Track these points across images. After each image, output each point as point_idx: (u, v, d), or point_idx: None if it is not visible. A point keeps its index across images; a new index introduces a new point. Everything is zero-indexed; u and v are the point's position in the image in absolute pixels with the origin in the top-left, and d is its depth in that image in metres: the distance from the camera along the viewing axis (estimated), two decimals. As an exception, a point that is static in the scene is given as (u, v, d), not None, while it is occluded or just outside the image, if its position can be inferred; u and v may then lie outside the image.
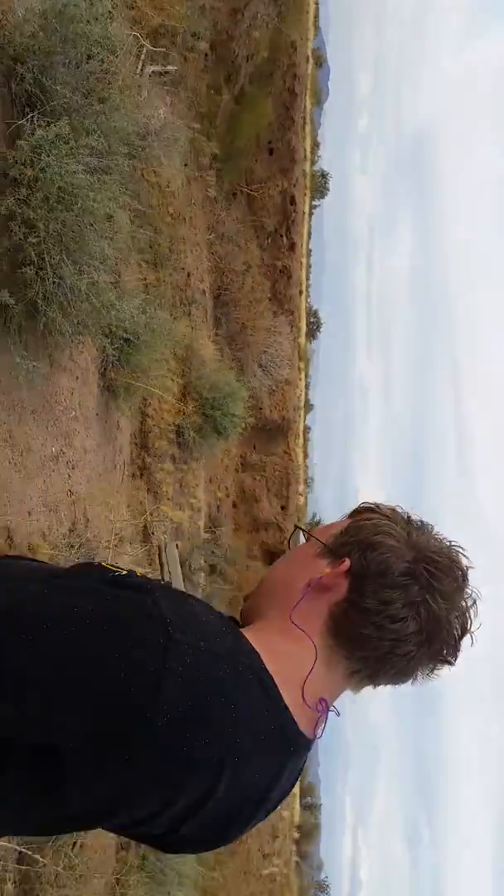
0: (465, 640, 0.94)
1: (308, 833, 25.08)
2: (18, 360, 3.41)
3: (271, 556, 12.77)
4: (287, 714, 0.90)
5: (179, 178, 5.59)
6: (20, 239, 3.25)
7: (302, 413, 14.99)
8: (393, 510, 1.01)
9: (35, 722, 0.83)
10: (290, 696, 0.90)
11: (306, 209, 15.45)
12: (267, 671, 0.89)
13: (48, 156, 3.17)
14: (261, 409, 11.91)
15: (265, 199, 11.42)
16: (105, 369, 4.94)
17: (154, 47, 6.62)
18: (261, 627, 0.96)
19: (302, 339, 14.85)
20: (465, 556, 0.96)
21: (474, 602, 0.94)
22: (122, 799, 0.85)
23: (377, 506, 1.02)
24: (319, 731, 0.95)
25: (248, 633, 0.93)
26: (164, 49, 6.82)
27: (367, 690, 0.98)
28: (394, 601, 0.91)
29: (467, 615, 0.93)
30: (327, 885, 30.70)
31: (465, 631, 0.93)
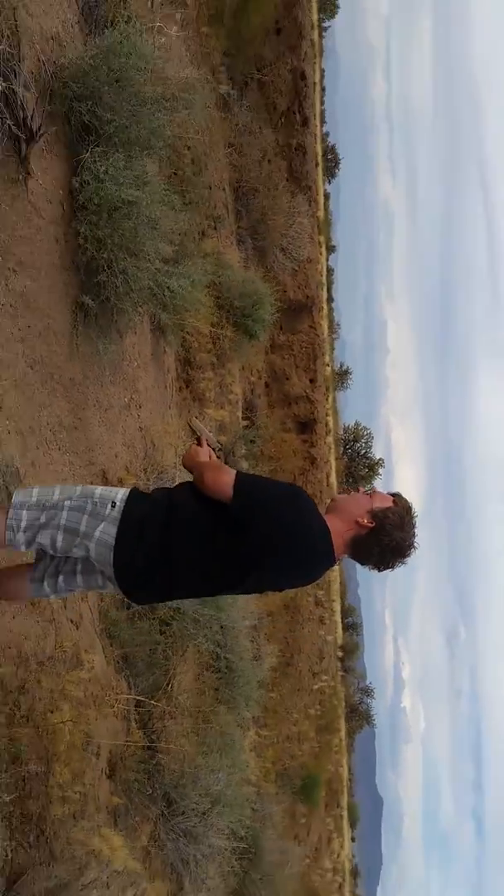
0: (388, 571, 2.42)
1: (351, 651, 28.20)
2: (101, 347, 4.28)
3: (302, 426, 13.85)
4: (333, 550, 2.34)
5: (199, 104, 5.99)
6: (93, 254, 4.01)
7: (325, 287, 15.36)
8: (406, 507, 2.35)
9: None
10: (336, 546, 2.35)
11: (317, 79, 14.93)
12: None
13: (110, 183, 3.87)
14: (285, 291, 12.45)
15: (276, 80, 11.27)
16: (154, 317, 5.74)
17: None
18: (331, 519, 2.33)
19: (321, 213, 14.90)
20: (416, 548, 2.36)
21: (401, 565, 2.39)
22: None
23: (401, 501, 2.36)
24: (338, 562, 2.43)
25: (328, 517, 2.33)
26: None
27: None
28: (374, 551, 2.35)
29: (395, 566, 2.39)
30: (372, 689, 34.29)
31: (391, 568, 2.40)
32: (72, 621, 4.15)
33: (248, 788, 8.95)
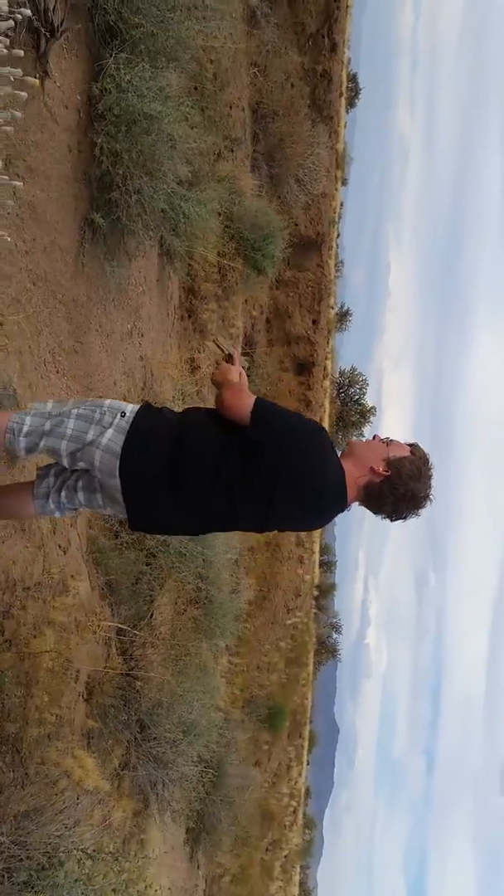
0: (401, 522, 2.34)
1: (326, 591, 28.90)
2: (108, 269, 4.10)
3: (300, 367, 13.66)
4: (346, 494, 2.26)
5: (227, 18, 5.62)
6: (108, 168, 3.79)
7: (336, 225, 14.84)
8: (424, 458, 2.26)
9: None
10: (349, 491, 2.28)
11: (350, 2, 14.08)
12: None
13: (133, 94, 3.62)
14: (296, 225, 12.05)
15: (308, -2, 10.58)
16: (163, 242, 5.51)
17: None
18: (346, 464, 2.25)
19: (340, 146, 14.29)
20: (431, 500, 2.28)
21: (414, 516, 2.32)
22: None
23: (418, 452, 2.28)
24: (349, 509, 2.34)
25: (343, 461, 2.25)
26: None
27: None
28: (388, 500, 2.26)
29: (409, 517, 2.31)
30: (339, 625, 35.50)
31: (403, 519, 2.33)
32: (60, 547, 4.11)
33: (217, 714, 9.21)
